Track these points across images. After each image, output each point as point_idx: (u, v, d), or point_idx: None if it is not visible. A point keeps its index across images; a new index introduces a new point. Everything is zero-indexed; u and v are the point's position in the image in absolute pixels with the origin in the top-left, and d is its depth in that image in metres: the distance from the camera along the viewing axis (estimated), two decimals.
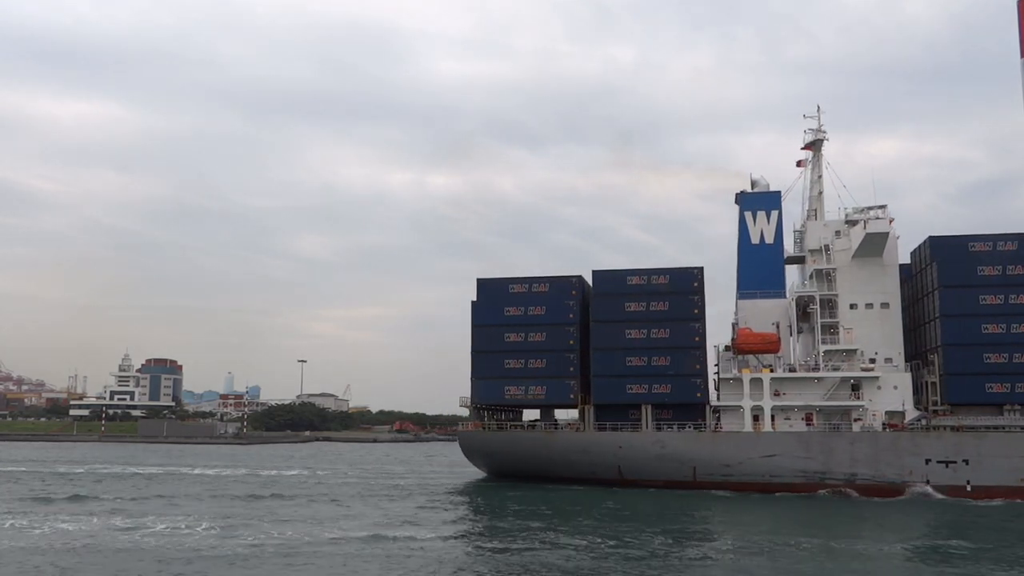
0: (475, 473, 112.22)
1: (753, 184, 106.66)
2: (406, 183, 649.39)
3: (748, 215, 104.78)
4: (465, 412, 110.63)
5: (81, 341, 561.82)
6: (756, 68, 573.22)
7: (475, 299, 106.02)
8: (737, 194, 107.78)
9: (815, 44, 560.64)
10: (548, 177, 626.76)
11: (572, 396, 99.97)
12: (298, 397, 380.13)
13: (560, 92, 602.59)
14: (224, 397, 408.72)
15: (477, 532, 62.13)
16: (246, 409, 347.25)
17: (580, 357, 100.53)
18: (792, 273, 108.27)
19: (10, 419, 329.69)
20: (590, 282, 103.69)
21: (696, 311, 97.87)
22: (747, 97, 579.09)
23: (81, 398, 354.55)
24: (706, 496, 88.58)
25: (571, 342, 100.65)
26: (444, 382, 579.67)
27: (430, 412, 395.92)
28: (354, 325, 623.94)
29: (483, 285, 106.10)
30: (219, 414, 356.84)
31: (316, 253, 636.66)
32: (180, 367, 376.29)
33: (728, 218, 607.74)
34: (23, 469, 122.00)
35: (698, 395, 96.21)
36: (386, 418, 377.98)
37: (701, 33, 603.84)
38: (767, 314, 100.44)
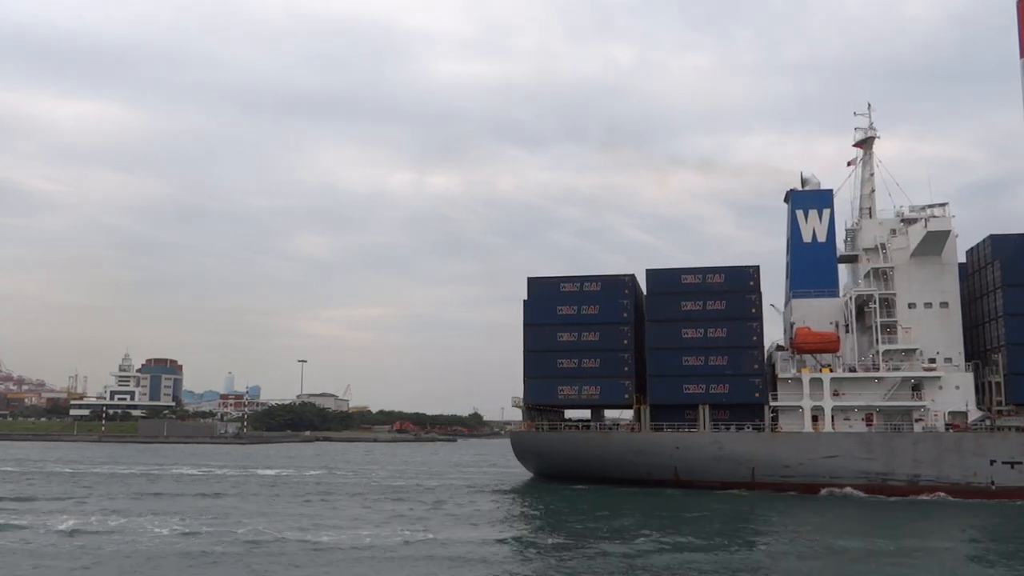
0: (520, 474, 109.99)
1: (804, 182, 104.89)
2: (406, 183, 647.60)
3: (799, 213, 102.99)
4: (506, 413, 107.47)
5: (81, 341, 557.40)
6: (755, 68, 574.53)
7: (525, 298, 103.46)
8: (787, 192, 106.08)
9: (814, 44, 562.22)
10: (548, 177, 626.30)
11: (627, 396, 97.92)
12: (298, 397, 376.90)
13: (560, 92, 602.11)
14: (224, 397, 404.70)
15: (570, 535, 59.58)
16: (246, 409, 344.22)
17: (634, 357, 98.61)
18: (841, 272, 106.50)
19: (10, 419, 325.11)
20: (641, 281, 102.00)
21: (754, 310, 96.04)
22: (746, 97, 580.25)
23: (81, 398, 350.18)
24: (767, 497, 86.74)
25: (625, 341, 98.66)
26: (444, 382, 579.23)
27: (430, 412, 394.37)
28: (354, 325, 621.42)
29: (534, 284, 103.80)
30: (219, 414, 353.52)
31: (316, 253, 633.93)
32: (180, 367, 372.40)
33: (725, 218, 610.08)
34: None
35: (757, 395, 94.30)
36: (386, 418, 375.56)
37: (700, 33, 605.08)
38: (823, 313, 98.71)
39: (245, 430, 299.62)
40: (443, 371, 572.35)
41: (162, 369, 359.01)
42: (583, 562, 49.14)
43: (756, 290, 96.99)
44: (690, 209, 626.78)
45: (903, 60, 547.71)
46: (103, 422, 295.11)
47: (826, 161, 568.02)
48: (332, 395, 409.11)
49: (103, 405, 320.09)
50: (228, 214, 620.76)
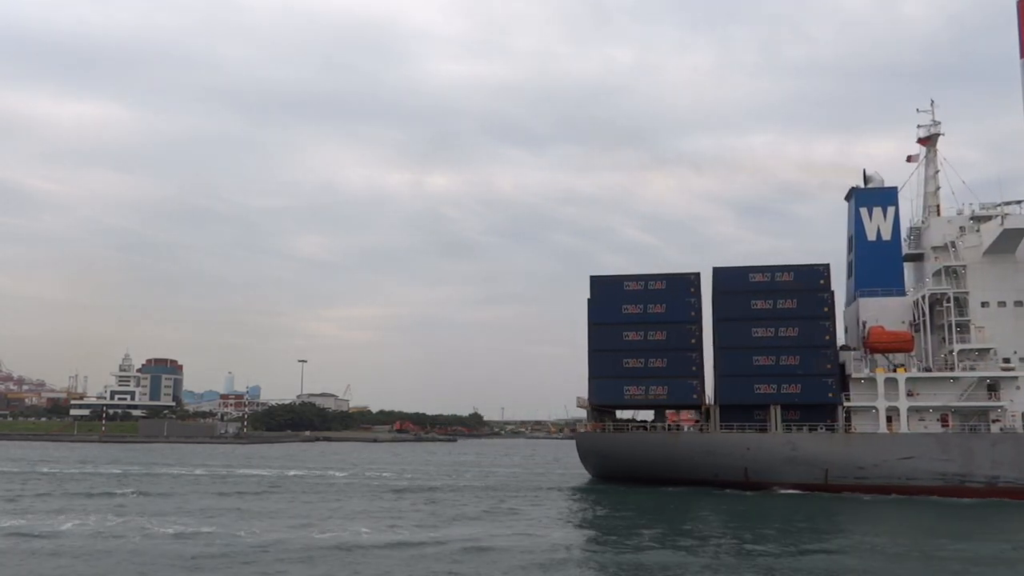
0: (577, 474, 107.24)
1: (867, 180, 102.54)
2: (406, 183, 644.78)
3: (863, 211, 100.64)
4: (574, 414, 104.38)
5: (81, 341, 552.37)
6: (754, 69, 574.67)
7: (589, 297, 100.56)
8: (850, 190, 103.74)
9: (813, 45, 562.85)
10: (547, 177, 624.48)
11: (695, 396, 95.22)
12: (298, 397, 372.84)
13: (559, 93, 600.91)
14: (224, 397, 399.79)
15: (663, 540, 56.88)
16: (246, 409, 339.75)
17: (701, 356, 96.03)
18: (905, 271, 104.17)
19: (10, 419, 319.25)
20: (704, 279, 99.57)
21: (826, 309, 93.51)
22: (745, 97, 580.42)
23: (81, 398, 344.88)
24: (843, 499, 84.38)
25: (693, 341, 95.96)
26: (444, 382, 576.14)
27: (430, 412, 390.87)
28: (354, 325, 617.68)
29: (596, 282, 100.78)
30: (219, 414, 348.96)
31: (316, 253, 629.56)
32: (180, 367, 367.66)
33: (726, 218, 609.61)
34: None
35: (830, 395, 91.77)
36: (386, 418, 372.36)
37: (699, 34, 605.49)
38: (893, 312, 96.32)
39: (245, 430, 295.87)
40: (443, 371, 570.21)
41: (162, 369, 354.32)
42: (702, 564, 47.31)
43: (827, 288, 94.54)
44: (690, 209, 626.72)
45: (902, 60, 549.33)
46: (103, 422, 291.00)
47: (826, 161, 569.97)
48: (332, 395, 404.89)
49: (103, 405, 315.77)
50: (228, 214, 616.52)
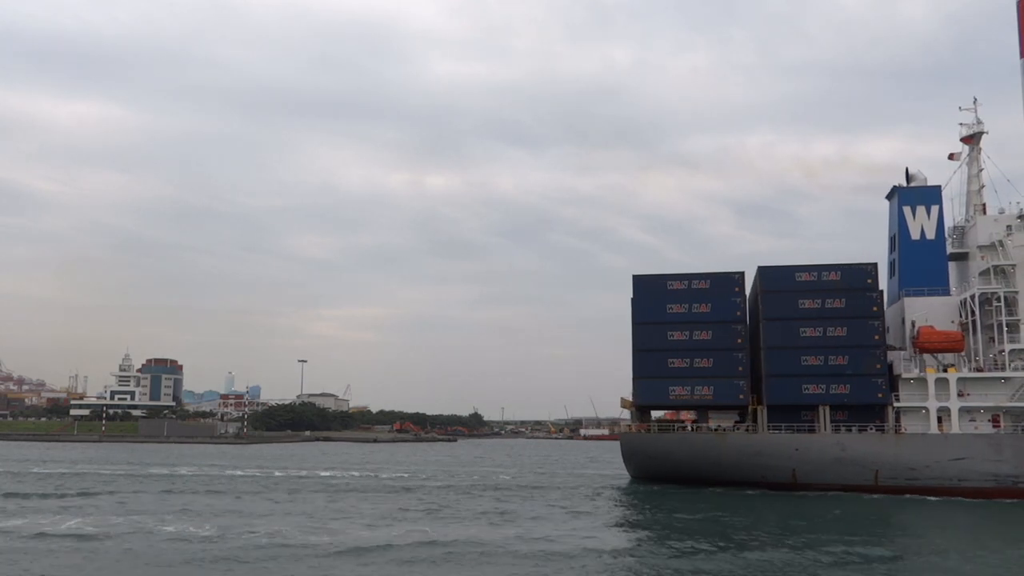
0: (612, 475, 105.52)
1: (910, 178, 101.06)
2: (405, 183, 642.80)
3: (907, 210, 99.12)
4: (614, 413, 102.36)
5: (81, 341, 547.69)
6: (752, 69, 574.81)
7: (632, 296, 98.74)
8: (892, 188, 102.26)
9: (811, 45, 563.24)
10: (547, 177, 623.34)
11: (742, 396, 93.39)
12: (298, 397, 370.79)
13: (558, 92, 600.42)
14: (224, 397, 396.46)
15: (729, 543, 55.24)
16: (246, 409, 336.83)
17: (748, 356, 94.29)
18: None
19: (10, 419, 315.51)
20: (749, 278, 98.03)
21: (875, 308, 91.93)
22: (744, 97, 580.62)
23: (81, 398, 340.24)
24: (894, 500, 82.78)
25: (739, 340, 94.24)
26: (444, 382, 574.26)
27: (430, 412, 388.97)
28: (354, 325, 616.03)
29: (639, 281, 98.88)
30: (219, 414, 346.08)
31: (316, 253, 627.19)
32: (180, 367, 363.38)
33: (726, 218, 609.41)
34: None
35: (880, 395, 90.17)
36: (386, 418, 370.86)
37: (698, 34, 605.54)
38: (940, 311, 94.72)
39: (245, 430, 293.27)
40: (443, 371, 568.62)
41: (162, 369, 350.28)
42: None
43: (875, 288, 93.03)
44: (690, 209, 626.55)
45: (901, 60, 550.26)
46: (103, 422, 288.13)
47: (825, 161, 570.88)
48: (332, 395, 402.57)
49: (103, 405, 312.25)
50: (228, 214, 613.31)
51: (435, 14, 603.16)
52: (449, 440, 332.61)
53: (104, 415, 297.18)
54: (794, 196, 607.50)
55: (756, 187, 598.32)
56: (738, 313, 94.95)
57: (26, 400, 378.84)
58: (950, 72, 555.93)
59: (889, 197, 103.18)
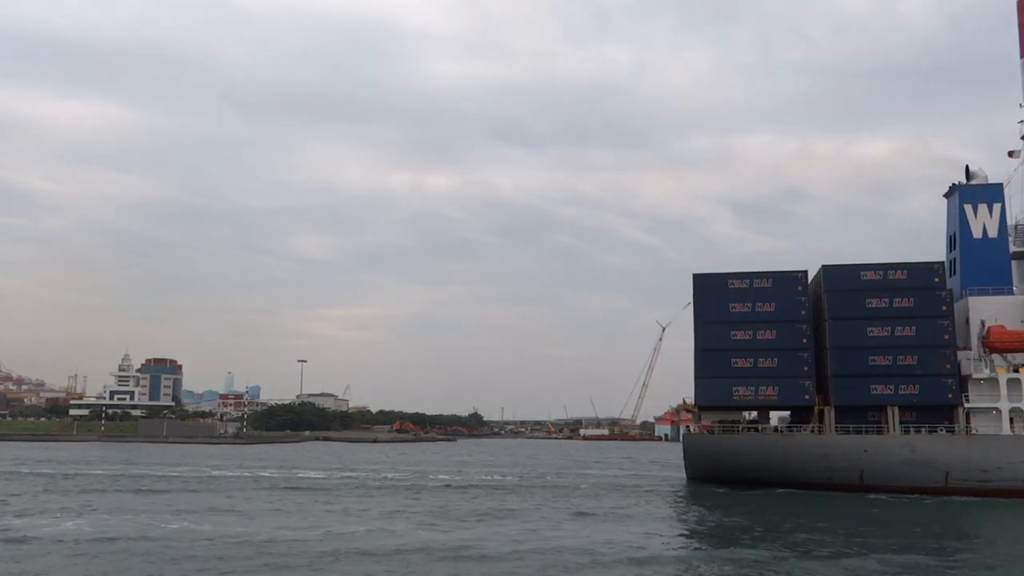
0: (668, 476, 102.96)
1: (970, 176, 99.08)
2: (405, 183, 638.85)
3: (968, 208, 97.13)
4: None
5: (81, 341, 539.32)
6: (752, 69, 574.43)
7: (693, 295, 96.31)
8: (952, 186, 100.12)
9: (810, 45, 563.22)
10: (547, 177, 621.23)
11: (807, 397, 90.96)
12: (298, 397, 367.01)
13: (558, 92, 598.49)
14: (224, 397, 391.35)
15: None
16: (246, 409, 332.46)
17: (813, 356, 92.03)
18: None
19: (10, 419, 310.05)
20: (809, 277, 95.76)
21: (944, 308, 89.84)
22: (743, 98, 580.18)
23: (81, 398, 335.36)
24: (967, 503, 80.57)
25: (804, 340, 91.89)
26: (444, 382, 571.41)
27: (430, 412, 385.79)
28: (354, 325, 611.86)
29: (700, 280, 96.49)
30: (219, 414, 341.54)
31: (316, 253, 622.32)
32: (180, 367, 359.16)
33: (726, 218, 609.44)
34: None
35: (950, 396, 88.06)
36: (386, 418, 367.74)
37: (697, 35, 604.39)
38: (1007, 311, 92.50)
39: (245, 430, 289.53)
40: (443, 371, 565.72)
41: (162, 369, 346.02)
42: None
43: (943, 287, 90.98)
44: (690, 209, 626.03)
45: (900, 60, 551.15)
46: (103, 422, 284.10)
47: (824, 160, 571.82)
48: (332, 395, 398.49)
49: (103, 405, 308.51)
50: (228, 214, 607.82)
51: (435, 14, 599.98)
52: (449, 440, 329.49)
53: (103, 415, 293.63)
54: (794, 196, 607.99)
55: (756, 187, 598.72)
56: (803, 312, 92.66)
57: (25, 400, 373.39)
58: (950, 72, 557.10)
59: (947, 195, 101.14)
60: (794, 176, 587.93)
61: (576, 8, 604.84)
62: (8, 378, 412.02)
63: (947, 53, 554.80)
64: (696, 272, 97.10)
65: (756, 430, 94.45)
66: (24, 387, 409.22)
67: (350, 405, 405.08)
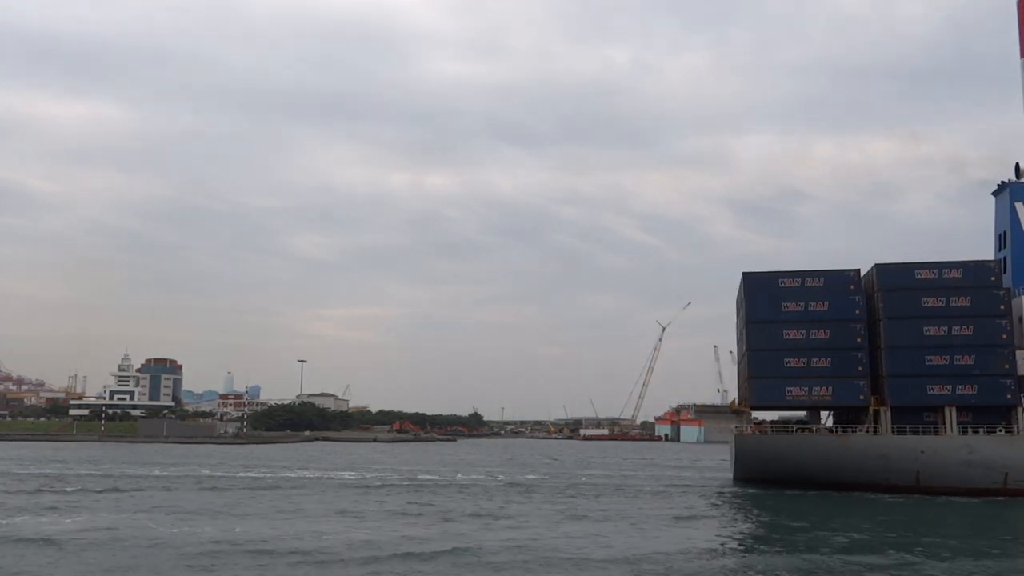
0: (713, 478, 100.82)
1: (1020, 173, 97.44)
2: (405, 183, 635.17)
3: (1019, 206, 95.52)
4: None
5: (81, 341, 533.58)
6: (751, 69, 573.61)
7: (743, 294, 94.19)
8: (1001, 184, 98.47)
9: (809, 45, 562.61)
10: (547, 177, 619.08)
11: (862, 397, 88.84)
12: (298, 397, 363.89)
13: (558, 92, 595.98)
14: (224, 397, 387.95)
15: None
16: (246, 409, 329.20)
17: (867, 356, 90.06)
18: None
19: (9, 419, 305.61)
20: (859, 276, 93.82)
21: (1002, 307, 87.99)
22: (742, 98, 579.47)
23: (81, 398, 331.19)
24: None
25: (859, 339, 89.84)
26: (444, 382, 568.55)
27: (430, 412, 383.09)
28: (354, 325, 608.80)
29: (749, 279, 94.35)
30: (219, 414, 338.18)
31: (316, 253, 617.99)
32: (180, 367, 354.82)
33: (724, 218, 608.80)
34: None
35: (1009, 396, 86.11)
36: (386, 418, 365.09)
37: (696, 34, 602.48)
38: None
39: (245, 430, 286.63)
40: (443, 371, 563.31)
41: (162, 369, 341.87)
42: None
43: (1000, 285, 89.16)
44: (690, 209, 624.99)
45: (900, 60, 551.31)
46: (103, 422, 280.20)
47: (824, 160, 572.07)
48: (332, 395, 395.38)
49: (103, 405, 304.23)
50: (228, 214, 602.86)
51: (434, 14, 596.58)
52: (449, 440, 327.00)
53: (103, 415, 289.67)
54: (794, 196, 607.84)
55: (756, 187, 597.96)
56: (857, 312, 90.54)
57: (25, 400, 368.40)
58: (950, 72, 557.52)
59: (996, 193, 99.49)
60: (794, 176, 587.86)
61: (575, 8, 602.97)
62: (8, 378, 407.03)
63: (947, 53, 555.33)
64: (745, 271, 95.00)
65: (810, 430, 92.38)
66: (24, 387, 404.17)
67: (350, 405, 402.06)
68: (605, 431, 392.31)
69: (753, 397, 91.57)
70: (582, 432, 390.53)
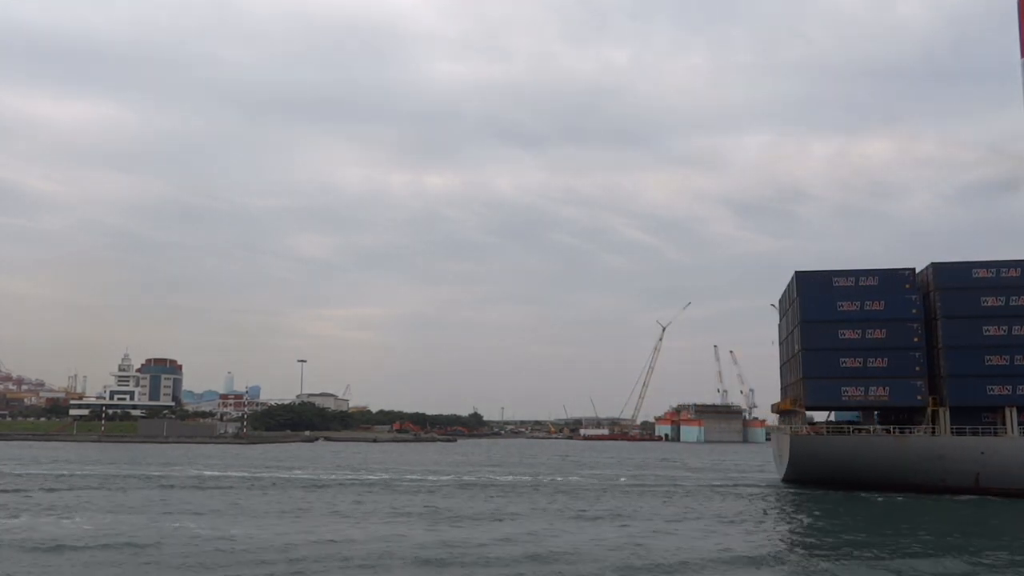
0: (758, 479, 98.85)
1: None
2: (404, 183, 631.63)
3: None
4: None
5: (81, 341, 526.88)
6: (750, 69, 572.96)
7: (797, 293, 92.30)
8: None
9: (809, 45, 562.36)
10: (547, 177, 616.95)
11: (920, 397, 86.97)
12: (298, 397, 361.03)
13: (557, 92, 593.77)
14: (224, 397, 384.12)
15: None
16: (246, 409, 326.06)
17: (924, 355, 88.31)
18: None
19: (10, 419, 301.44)
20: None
21: None
22: (742, 98, 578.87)
23: (81, 398, 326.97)
24: None
25: (916, 339, 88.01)
26: (444, 382, 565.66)
27: (430, 412, 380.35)
28: (354, 325, 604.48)
29: (802, 278, 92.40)
30: (219, 414, 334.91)
31: (316, 253, 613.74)
32: (180, 367, 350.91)
33: (726, 218, 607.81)
34: None
35: None
36: (386, 418, 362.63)
37: (695, 34, 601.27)
38: None
39: (245, 430, 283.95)
40: (443, 371, 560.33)
41: (162, 369, 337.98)
42: None
43: None
44: (690, 209, 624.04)
45: (899, 60, 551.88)
46: (103, 422, 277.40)
47: (824, 160, 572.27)
48: (332, 395, 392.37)
49: (103, 405, 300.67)
50: (228, 214, 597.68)
51: (434, 14, 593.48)
52: (449, 440, 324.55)
53: (103, 415, 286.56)
54: (794, 196, 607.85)
55: (756, 187, 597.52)
56: (914, 311, 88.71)
57: (25, 400, 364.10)
58: (949, 72, 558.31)
59: None
60: (794, 176, 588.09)
61: (574, 8, 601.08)
62: (8, 378, 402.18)
63: (947, 53, 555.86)
64: (798, 270, 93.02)
65: (867, 431, 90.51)
66: (24, 387, 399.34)
67: (350, 405, 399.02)
68: (605, 431, 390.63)
69: (807, 397, 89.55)
70: (582, 432, 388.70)
